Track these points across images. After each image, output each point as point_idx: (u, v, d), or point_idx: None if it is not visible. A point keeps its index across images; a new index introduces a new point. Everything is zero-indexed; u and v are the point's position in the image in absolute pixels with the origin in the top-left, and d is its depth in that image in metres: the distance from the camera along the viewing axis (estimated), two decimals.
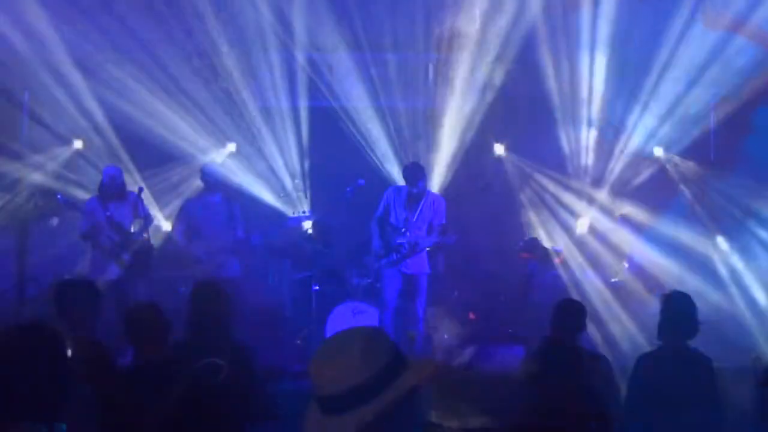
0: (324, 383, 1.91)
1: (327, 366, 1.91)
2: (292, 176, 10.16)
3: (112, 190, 7.84)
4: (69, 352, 2.30)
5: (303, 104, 10.10)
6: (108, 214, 7.77)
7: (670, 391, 4.24)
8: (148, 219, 8.11)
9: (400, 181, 8.19)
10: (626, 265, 9.05)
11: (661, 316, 4.72)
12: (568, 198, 10.07)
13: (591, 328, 7.12)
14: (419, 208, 7.89)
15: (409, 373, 1.95)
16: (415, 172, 7.90)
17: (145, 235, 7.99)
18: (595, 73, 9.77)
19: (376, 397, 1.89)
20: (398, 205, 7.97)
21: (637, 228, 9.33)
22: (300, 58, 9.86)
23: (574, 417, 3.48)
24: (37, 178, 9.73)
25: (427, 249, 7.98)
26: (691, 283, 8.58)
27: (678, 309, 4.67)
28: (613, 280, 8.88)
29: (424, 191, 7.96)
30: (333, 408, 1.90)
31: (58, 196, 8.25)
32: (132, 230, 7.86)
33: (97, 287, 4.89)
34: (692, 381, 4.50)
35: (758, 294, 8.84)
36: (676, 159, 10.02)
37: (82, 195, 9.28)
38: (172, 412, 3.41)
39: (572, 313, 4.90)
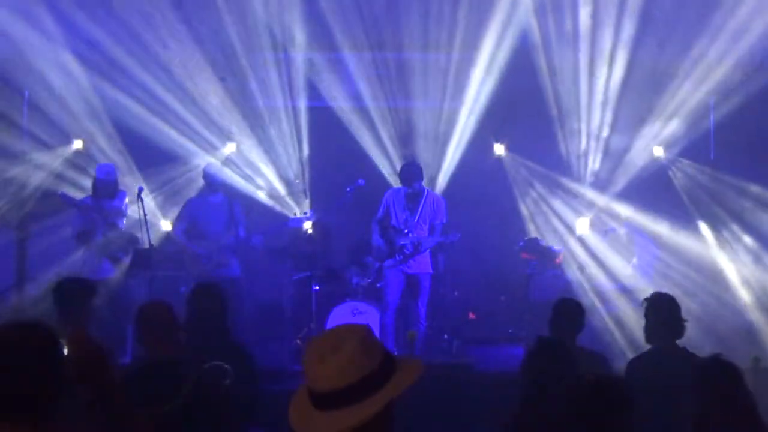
0: (319, 380, 1.92)
1: (322, 363, 1.92)
2: (293, 176, 10.16)
3: (106, 185, 7.86)
4: (65, 351, 2.30)
5: (303, 104, 10.10)
6: (103, 212, 7.79)
7: (663, 392, 4.24)
8: (145, 220, 8.12)
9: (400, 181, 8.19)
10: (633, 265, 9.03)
11: (646, 319, 4.74)
12: (568, 198, 10.07)
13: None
14: (419, 209, 7.90)
15: (402, 373, 1.98)
16: (412, 172, 7.90)
17: (140, 234, 8.01)
18: (594, 73, 9.76)
19: (371, 395, 1.92)
20: (398, 206, 7.98)
21: (638, 229, 9.32)
22: (300, 58, 9.86)
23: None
24: (37, 177, 9.74)
25: (430, 249, 7.98)
26: (691, 282, 8.60)
27: (662, 311, 4.68)
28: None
29: (422, 191, 7.97)
30: (327, 404, 1.91)
31: (60, 193, 8.27)
32: (128, 229, 7.91)
33: (92, 284, 5.03)
34: (684, 380, 4.50)
35: (759, 293, 8.84)
36: (676, 159, 10.02)
37: (82, 195, 9.28)
38: (177, 412, 3.42)
39: (570, 312, 4.91)
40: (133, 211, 8.20)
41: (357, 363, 1.92)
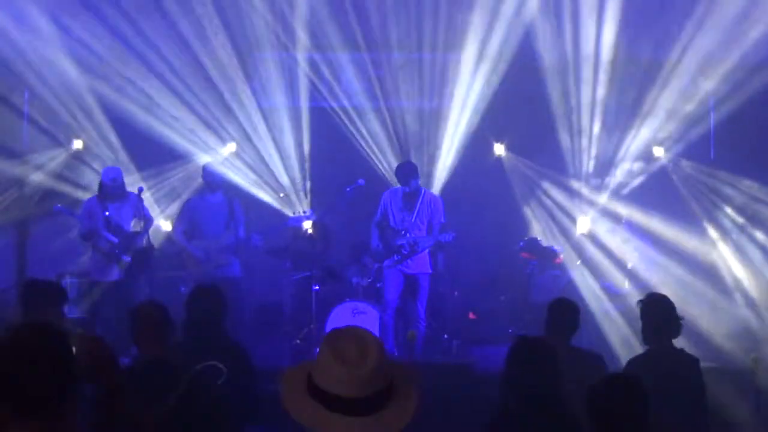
0: (353, 386, 1.97)
1: (357, 369, 1.97)
2: (293, 176, 10.17)
3: (112, 191, 7.78)
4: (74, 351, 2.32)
5: (303, 104, 10.10)
6: (106, 215, 7.73)
7: (661, 393, 4.25)
8: (148, 220, 8.10)
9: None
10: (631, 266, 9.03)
11: (642, 320, 4.74)
12: (568, 198, 10.07)
13: None
14: (416, 208, 7.91)
15: (414, 384, 2.08)
16: (408, 171, 7.92)
17: (146, 235, 7.99)
18: (595, 73, 9.77)
19: (391, 399, 2.00)
20: (395, 207, 7.99)
21: (638, 229, 9.32)
22: (300, 58, 9.86)
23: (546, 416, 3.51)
24: (37, 178, 9.74)
25: (428, 249, 7.99)
26: (692, 284, 8.60)
27: (658, 311, 4.69)
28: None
29: (419, 190, 7.99)
30: (354, 410, 1.97)
31: (55, 208, 8.22)
32: (132, 231, 7.82)
33: (62, 288, 4.96)
34: (681, 381, 4.51)
35: (758, 293, 8.84)
36: (676, 159, 10.02)
37: (83, 195, 9.29)
38: (172, 413, 3.42)
39: (566, 312, 4.91)
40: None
41: (383, 369, 1.99)
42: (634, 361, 4.80)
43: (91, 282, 7.92)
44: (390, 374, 2.02)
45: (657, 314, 4.69)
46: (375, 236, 8.06)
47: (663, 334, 4.66)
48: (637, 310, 4.85)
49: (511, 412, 3.62)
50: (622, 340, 7.71)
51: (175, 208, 9.38)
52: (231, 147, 10.10)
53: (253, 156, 10.15)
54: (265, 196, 10.06)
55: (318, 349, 2.10)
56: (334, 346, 2.01)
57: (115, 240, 7.70)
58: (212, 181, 8.29)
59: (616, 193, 9.92)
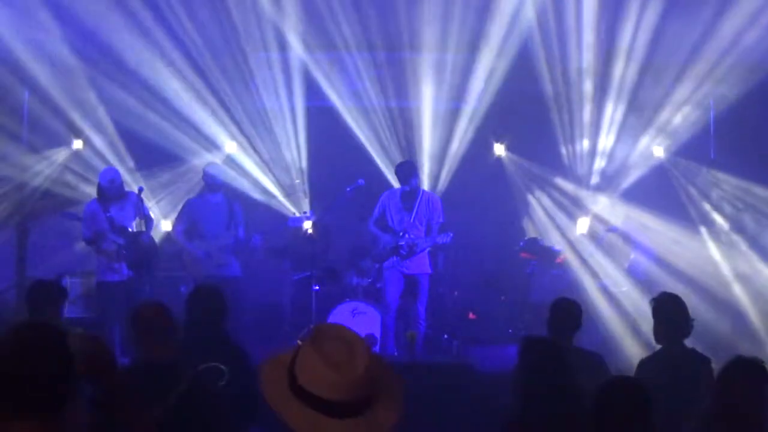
0: (343, 391, 1.95)
1: (348, 375, 1.94)
2: (293, 176, 10.16)
3: (111, 192, 7.76)
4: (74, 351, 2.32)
5: (302, 104, 10.10)
6: (109, 216, 7.72)
7: (673, 393, 4.25)
8: (149, 219, 8.09)
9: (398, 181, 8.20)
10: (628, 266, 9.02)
11: (654, 320, 4.75)
12: (568, 198, 10.07)
13: None
14: (415, 208, 7.92)
15: (401, 381, 2.06)
16: (407, 170, 7.94)
17: (150, 234, 7.99)
18: (594, 73, 9.77)
19: (378, 401, 1.98)
20: (394, 208, 8.00)
21: (637, 229, 9.32)
22: (300, 58, 9.86)
23: (562, 415, 3.52)
24: (37, 177, 9.74)
25: (427, 250, 7.99)
26: (691, 283, 8.60)
27: (670, 311, 4.69)
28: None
29: (418, 189, 8.01)
30: (344, 412, 1.95)
31: (60, 213, 8.25)
32: (136, 230, 7.81)
33: (62, 288, 5.07)
34: (693, 381, 4.51)
35: (758, 294, 8.84)
36: (676, 159, 10.02)
37: (82, 195, 9.28)
38: (172, 413, 3.42)
39: (567, 312, 4.91)
40: None
41: (375, 367, 1.97)
42: (646, 362, 4.81)
43: (99, 283, 7.89)
44: (378, 374, 2.00)
45: (669, 314, 4.69)
46: (379, 233, 8.08)
47: (675, 334, 4.66)
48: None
49: (527, 414, 3.62)
50: (622, 340, 7.71)
51: (175, 208, 9.37)
52: (231, 147, 10.10)
53: (254, 156, 10.15)
54: (265, 196, 10.06)
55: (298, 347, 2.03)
56: (321, 349, 1.97)
57: (121, 241, 7.68)
58: (212, 181, 8.29)
59: (616, 193, 9.92)
